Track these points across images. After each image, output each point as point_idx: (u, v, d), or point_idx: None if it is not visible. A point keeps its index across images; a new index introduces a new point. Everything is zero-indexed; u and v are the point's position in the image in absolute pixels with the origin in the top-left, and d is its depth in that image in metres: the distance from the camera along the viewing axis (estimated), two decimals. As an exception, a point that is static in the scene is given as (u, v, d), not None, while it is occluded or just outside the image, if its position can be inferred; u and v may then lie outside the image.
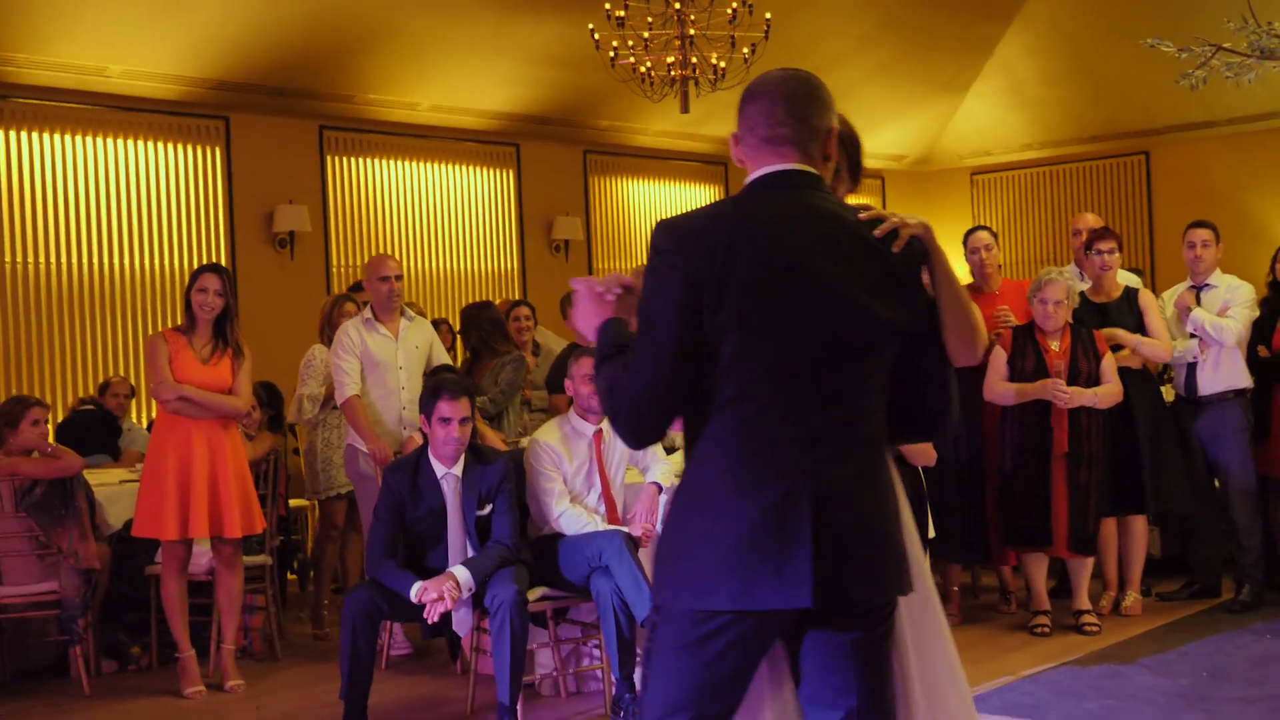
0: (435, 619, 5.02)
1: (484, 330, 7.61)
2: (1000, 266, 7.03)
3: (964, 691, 2.98)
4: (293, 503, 8.18)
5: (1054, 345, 6.38)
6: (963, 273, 9.09)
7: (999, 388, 6.40)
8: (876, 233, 2.59)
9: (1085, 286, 6.92)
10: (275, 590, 6.96)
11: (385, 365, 6.60)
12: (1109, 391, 6.33)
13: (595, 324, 2.69)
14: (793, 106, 2.61)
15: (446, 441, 5.27)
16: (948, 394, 2.70)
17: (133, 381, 8.69)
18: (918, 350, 2.66)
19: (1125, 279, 6.95)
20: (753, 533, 2.48)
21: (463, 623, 5.22)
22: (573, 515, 5.43)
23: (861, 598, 2.55)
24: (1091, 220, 7.38)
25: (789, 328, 2.50)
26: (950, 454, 6.38)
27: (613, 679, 5.36)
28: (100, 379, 8.83)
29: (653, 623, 2.63)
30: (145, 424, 8.57)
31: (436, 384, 5.39)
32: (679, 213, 2.69)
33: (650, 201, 12.35)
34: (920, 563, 2.88)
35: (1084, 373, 6.33)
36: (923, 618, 2.88)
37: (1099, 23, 11.96)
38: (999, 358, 6.42)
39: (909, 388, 2.66)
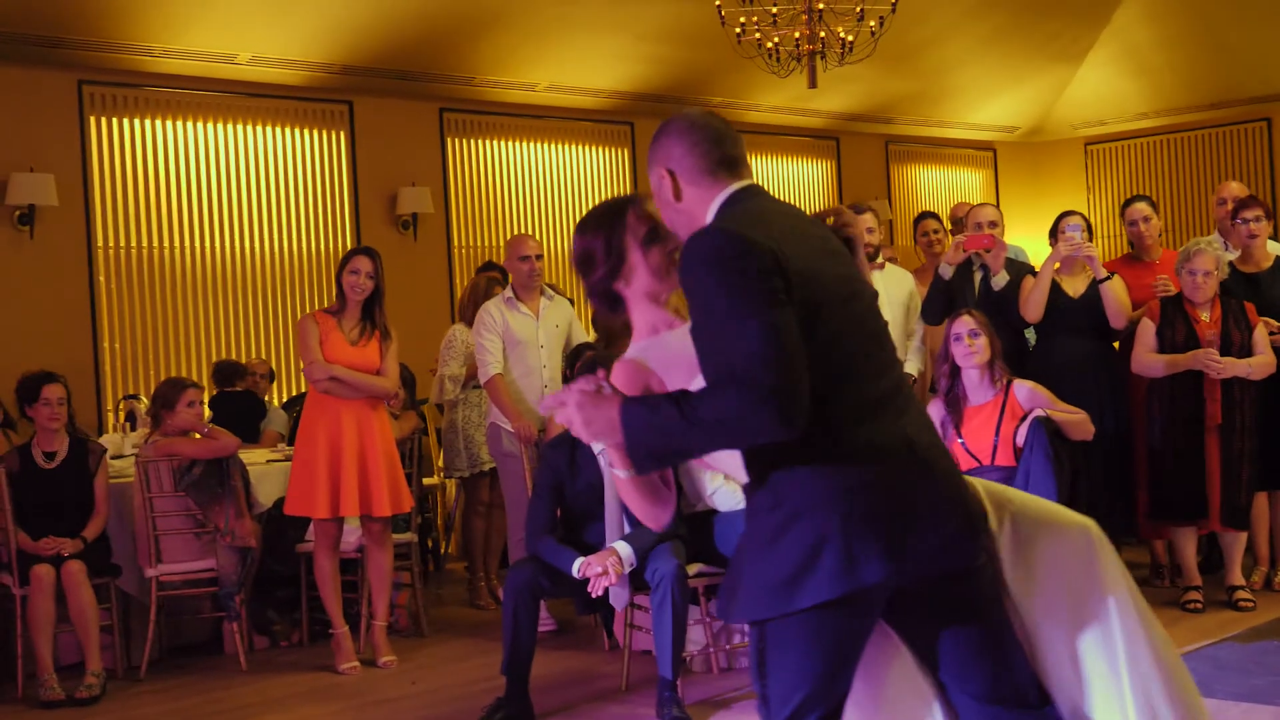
0: (599, 593, 5.05)
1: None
2: (1161, 234, 6.93)
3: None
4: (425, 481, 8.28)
5: (1204, 316, 6.26)
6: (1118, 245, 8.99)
7: (1147, 359, 6.30)
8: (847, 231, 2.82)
9: (1233, 256, 6.78)
10: (421, 567, 7.05)
11: (526, 344, 6.66)
12: (1263, 362, 6.21)
13: (614, 416, 2.49)
14: (728, 133, 2.72)
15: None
16: None
17: (270, 363, 8.84)
18: None
19: (1274, 248, 6.80)
20: (885, 496, 2.52)
21: (619, 597, 5.24)
22: (726, 492, 5.44)
23: (985, 524, 2.67)
24: (1236, 189, 7.23)
25: (847, 302, 2.60)
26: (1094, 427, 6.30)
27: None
28: (229, 358, 8.99)
29: (762, 634, 2.59)
30: (279, 404, 8.72)
31: (593, 359, 5.42)
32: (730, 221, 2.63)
33: (765, 177, 12.29)
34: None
35: (1236, 343, 6.21)
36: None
37: (1220, -15, 11.70)
38: (1147, 329, 6.32)
39: None
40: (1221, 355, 6.15)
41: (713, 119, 2.75)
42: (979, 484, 2.78)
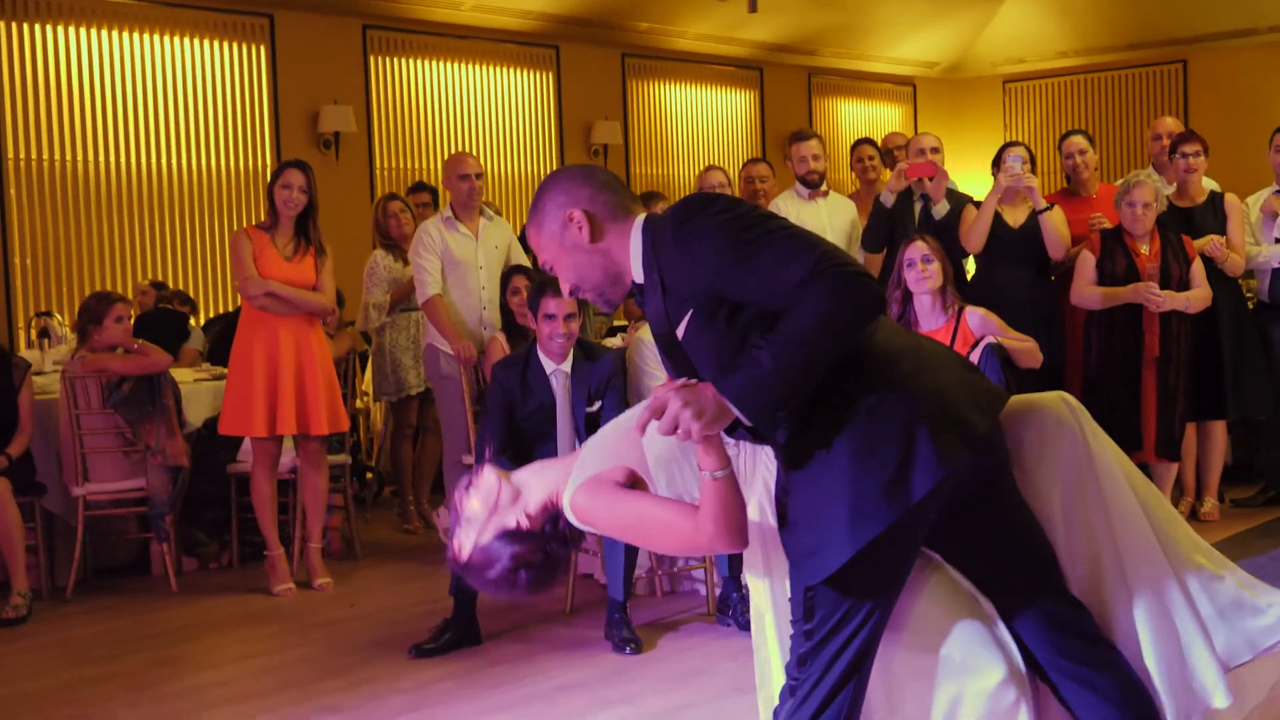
0: None
1: None
2: (1097, 170, 6.98)
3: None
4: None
5: (1144, 249, 6.33)
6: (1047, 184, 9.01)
7: (1086, 291, 6.36)
8: None
9: (1169, 191, 6.86)
10: (354, 490, 6.94)
11: (466, 265, 6.53)
12: (1201, 295, 6.30)
13: (714, 395, 2.41)
14: (614, 176, 2.70)
15: (553, 337, 5.23)
16: None
17: (179, 284, 8.61)
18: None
19: (1208, 184, 6.89)
20: (930, 382, 2.49)
21: (571, 521, 5.18)
22: None
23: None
24: (1171, 124, 7.32)
25: None
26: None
27: (718, 578, 5.36)
28: (150, 278, 8.75)
29: (811, 597, 2.52)
30: (201, 325, 8.51)
31: (542, 280, 5.33)
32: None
33: (688, 106, 12.19)
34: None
35: (1175, 276, 6.29)
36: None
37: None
38: (1087, 262, 6.37)
39: None
40: (1161, 288, 6.23)
41: (595, 168, 2.72)
42: None
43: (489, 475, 2.77)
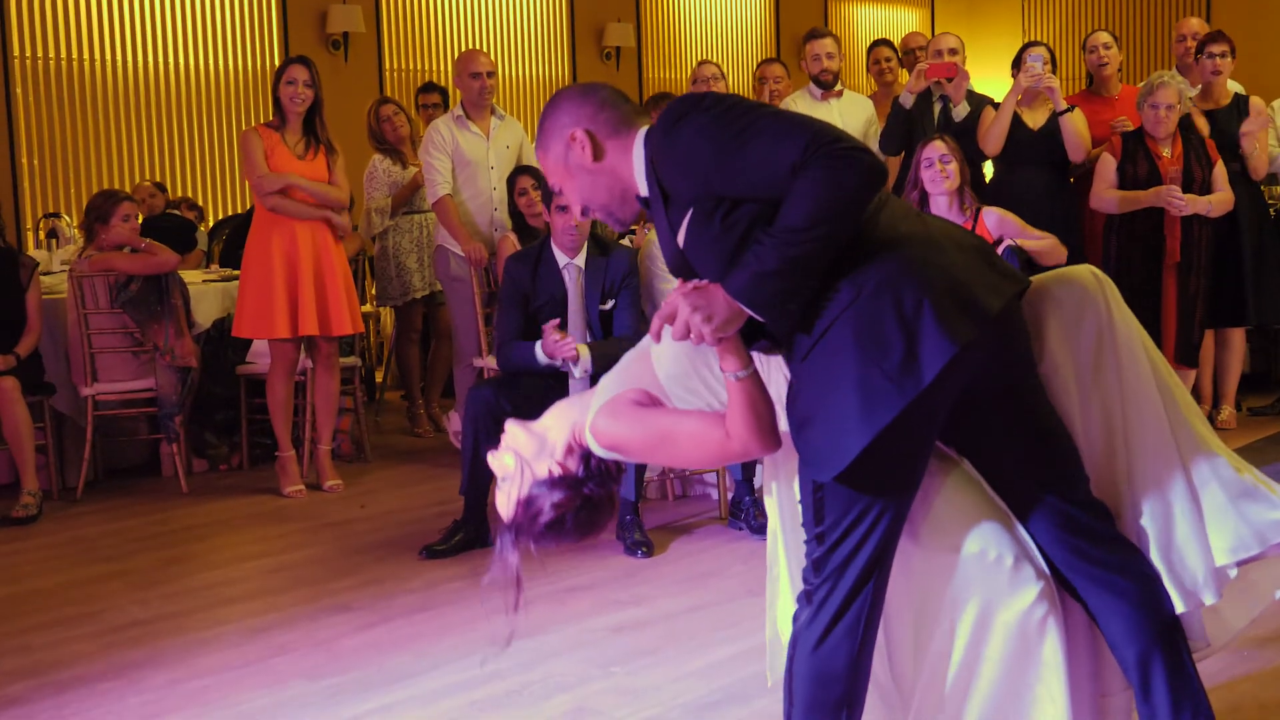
0: (566, 353, 4.94)
1: None
2: (1120, 70, 6.84)
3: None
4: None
5: (1166, 152, 6.21)
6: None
7: (1107, 194, 6.25)
8: None
9: (1193, 93, 6.72)
10: (364, 393, 6.91)
11: (476, 165, 6.44)
12: (1222, 199, 6.19)
13: (723, 296, 2.35)
14: (620, 92, 2.62)
15: (565, 230, 5.15)
16: None
17: (186, 185, 8.52)
18: None
19: (1233, 86, 6.75)
20: (942, 259, 2.40)
21: (577, 385, 5.10)
22: None
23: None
24: (1196, 25, 7.15)
25: None
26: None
27: (731, 481, 5.33)
28: (156, 179, 8.66)
29: (820, 498, 2.44)
30: (208, 228, 8.44)
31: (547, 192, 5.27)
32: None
33: (702, 8, 11.98)
34: None
35: (1198, 180, 6.18)
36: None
37: None
38: (1108, 165, 6.26)
39: None
40: (1183, 192, 6.12)
41: (599, 84, 2.64)
42: None
43: (513, 429, 2.71)
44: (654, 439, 2.58)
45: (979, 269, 2.45)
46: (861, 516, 2.44)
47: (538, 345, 5.02)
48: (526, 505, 2.63)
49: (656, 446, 2.61)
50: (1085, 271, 2.68)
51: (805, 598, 2.52)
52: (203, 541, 5.42)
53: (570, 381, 5.05)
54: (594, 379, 5.05)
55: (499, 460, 2.69)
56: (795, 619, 2.54)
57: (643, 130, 2.53)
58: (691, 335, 2.36)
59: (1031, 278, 2.64)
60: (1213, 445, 2.67)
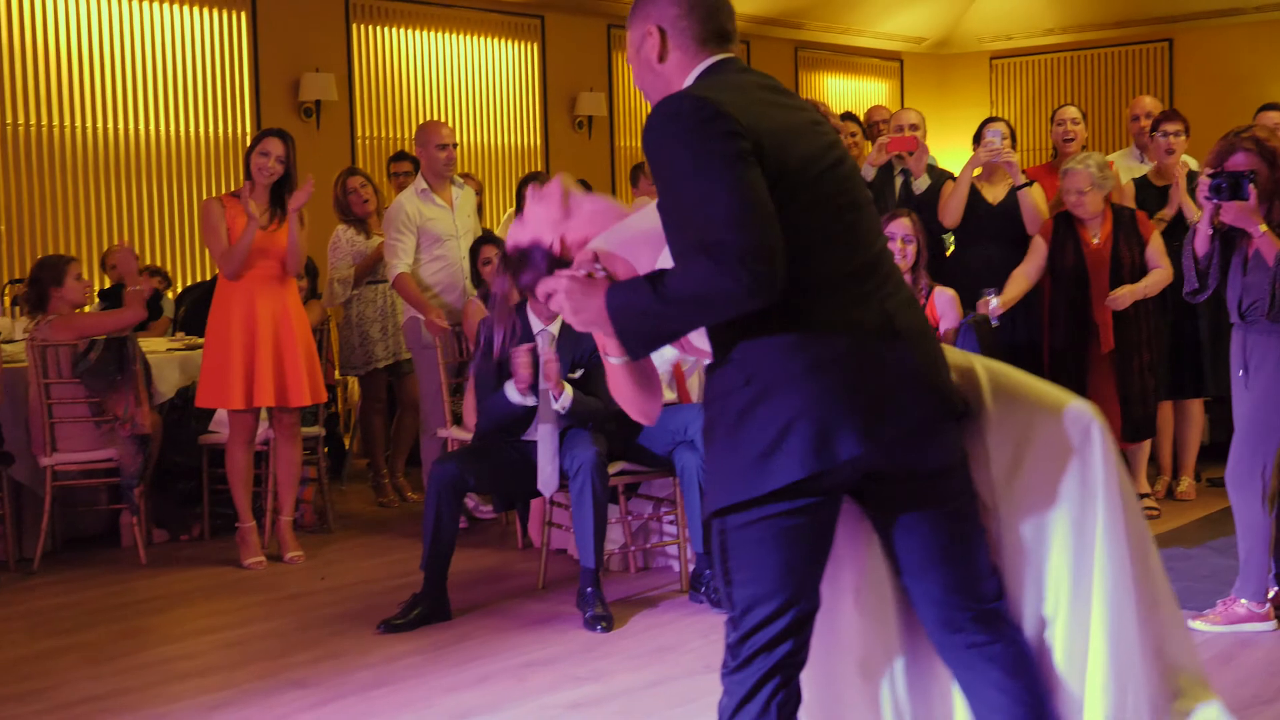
0: (553, 374, 4.96)
1: None
2: (1085, 145, 6.94)
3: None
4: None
5: (1094, 238, 6.18)
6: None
7: (1017, 273, 6.20)
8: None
9: (1148, 169, 6.83)
10: (328, 462, 6.89)
11: (445, 239, 6.54)
12: (1157, 280, 6.18)
13: (599, 304, 2.44)
14: (725, 2, 2.63)
15: (544, 295, 5.18)
16: None
17: (161, 254, 8.52)
18: None
19: (1190, 162, 6.85)
20: (859, 370, 2.42)
21: (548, 482, 5.10)
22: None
23: (960, 400, 2.57)
24: (1150, 104, 7.26)
25: (826, 171, 2.49)
26: (1006, 334, 6.33)
27: (692, 554, 5.33)
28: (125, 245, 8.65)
29: (723, 525, 2.51)
30: (175, 294, 8.44)
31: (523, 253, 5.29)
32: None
33: (672, 79, 12.08)
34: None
35: (1127, 263, 6.18)
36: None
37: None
38: (1038, 248, 6.25)
39: None
40: (1114, 274, 6.13)
41: None
42: (974, 359, 2.69)
43: (557, 182, 2.76)
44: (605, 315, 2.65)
45: (897, 388, 2.46)
46: (768, 597, 2.48)
47: (507, 386, 5.03)
48: (516, 249, 2.75)
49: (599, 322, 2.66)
50: (1092, 410, 2.67)
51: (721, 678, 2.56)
52: (160, 614, 5.38)
53: (538, 427, 5.05)
54: (569, 424, 5.07)
55: (532, 205, 2.74)
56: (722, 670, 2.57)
57: (711, 60, 2.56)
58: (550, 302, 2.51)
59: (1036, 394, 2.66)
60: (1165, 618, 2.69)
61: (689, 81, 2.56)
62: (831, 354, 2.42)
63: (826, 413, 2.40)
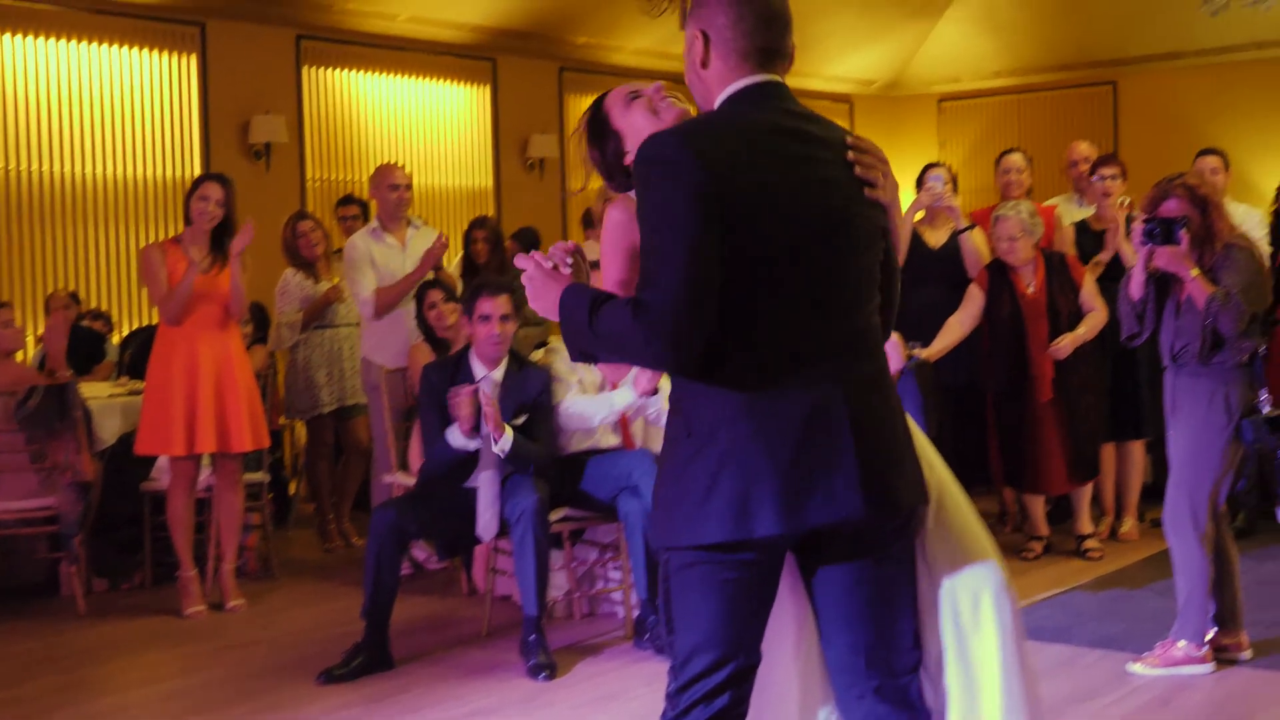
0: (492, 419, 4.96)
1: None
2: (1030, 191, 7.01)
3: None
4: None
5: (1029, 288, 6.26)
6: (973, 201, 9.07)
7: (952, 322, 6.28)
8: (857, 172, 2.53)
9: (1088, 213, 6.92)
10: (272, 509, 6.85)
11: (394, 277, 6.52)
12: (1095, 324, 6.27)
13: (556, 298, 2.49)
14: (779, 17, 2.57)
15: (488, 340, 5.19)
16: (894, 296, 2.67)
17: (103, 297, 8.46)
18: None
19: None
20: (790, 447, 2.41)
21: (488, 528, 5.09)
22: (582, 401, 5.36)
23: (904, 502, 2.53)
24: (1086, 149, 7.37)
25: (814, 240, 2.44)
26: (948, 377, 6.39)
27: (636, 601, 5.32)
28: (67, 287, 8.59)
29: (666, 565, 2.54)
30: (119, 339, 8.38)
31: (478, 283, 5.31)
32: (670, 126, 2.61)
33: (624, 121, 12.14)
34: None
35: (1065, 311, 6.26)
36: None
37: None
38: (974, 297, 6.33)
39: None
40: (1051, 322, 6.21)
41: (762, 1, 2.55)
42: (939, 465, 2.70)
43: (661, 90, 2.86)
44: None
45: (831, 474, 2.43)
46: (708, 647, 2.48)
47: (450, 430, 5.02)
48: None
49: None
50: (996, 565, 2.69)
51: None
52: (99, 666, 5.31)
53: (479, 474, 5.04)
54: (510, 470, 5.07)
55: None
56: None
57: (748, 81, 2.52)
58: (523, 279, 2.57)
59: (961, 526, 2.68)
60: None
61: (721, 100, 2.54)
62: (768, 429, 2.41)
63: (751, 486, 2.41)
